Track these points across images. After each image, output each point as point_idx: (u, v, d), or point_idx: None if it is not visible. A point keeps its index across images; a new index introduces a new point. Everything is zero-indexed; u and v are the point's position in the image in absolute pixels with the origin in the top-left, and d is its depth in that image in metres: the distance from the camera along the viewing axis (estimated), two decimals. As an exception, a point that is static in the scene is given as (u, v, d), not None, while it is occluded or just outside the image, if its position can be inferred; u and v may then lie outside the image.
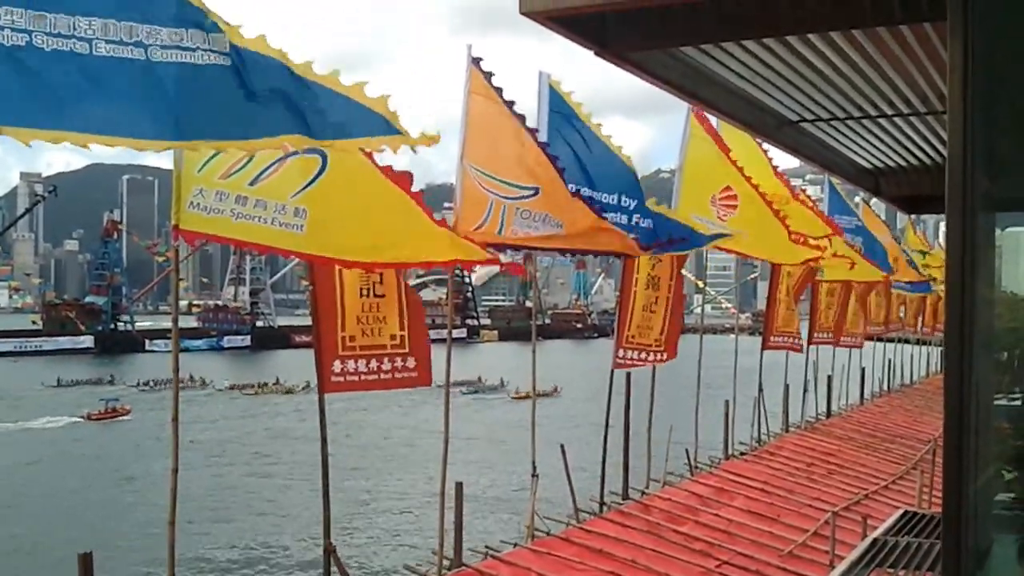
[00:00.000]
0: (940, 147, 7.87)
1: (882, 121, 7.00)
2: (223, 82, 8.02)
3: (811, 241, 19.25)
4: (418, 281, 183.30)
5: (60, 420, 63.19)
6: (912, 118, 6.88)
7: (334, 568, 11.32)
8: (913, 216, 39.93)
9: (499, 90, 12.97)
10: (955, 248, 3.38)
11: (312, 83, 8.44)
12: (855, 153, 8.19)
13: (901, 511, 11.43)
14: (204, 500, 38.38)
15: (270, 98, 8.25)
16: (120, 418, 64.68)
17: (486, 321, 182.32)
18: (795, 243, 18.47)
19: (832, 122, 7.01)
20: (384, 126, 8.67)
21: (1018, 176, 4.98)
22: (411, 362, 12.01)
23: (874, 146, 7.90)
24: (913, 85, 6.09)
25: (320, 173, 9.86)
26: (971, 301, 3.34)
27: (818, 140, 7.61)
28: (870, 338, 35.32)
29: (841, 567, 8.88)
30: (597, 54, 5.08)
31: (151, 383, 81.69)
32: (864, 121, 6.99)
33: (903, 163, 8.55)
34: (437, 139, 9.14)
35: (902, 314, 40.96)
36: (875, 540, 9.60)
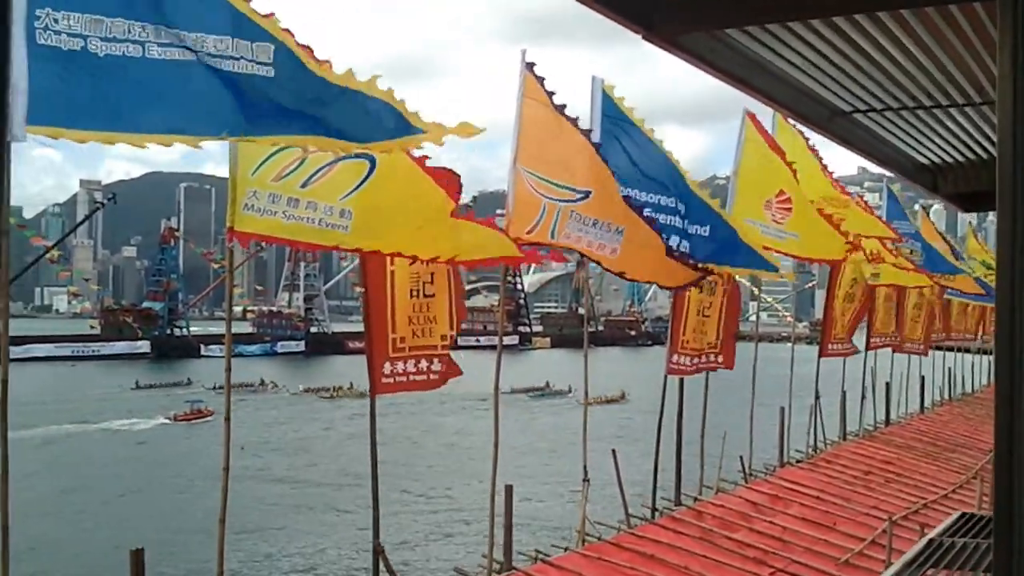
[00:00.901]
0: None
1: (937, 112, 6.86)
2: (266, 90, 8.18)
3: (865, 244, 19.07)
4: (470, 287, 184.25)
5: (148, 421, 65.91)
6: (968, 109, 6.74)
7: (383, 569, 11.38)
8: (973, 223, 39.42)
9: (551, 94, 12.99)
10: (1006, 245, 3.32)
11: (352, 91, 8.56)
12: (910, 147, 8.05)
13: (959, 513, 11.25)
14: (284, 498, 41.27)
15: (312, 107, 8.40)
16: (205, 419, 66.29)
17: (538, 328, 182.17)
18: (848, 244, 18.29)
19: (885, 112, 6.89)
20: (407, 126, 8.80)
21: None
22: (446, 359, 12.17)
23: (930, 139, 7.76)
24: (968, 73, 5.97)
25: (368, 175, 10.01)
26: (1022, 301, 3.28)
27: (872, 132, 7.49)
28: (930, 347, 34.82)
29: (896, 566, 8.76)
30: (645, 38, 5.02)
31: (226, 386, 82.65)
32: (919, 112, 6.87)
33: (960, 158, 8.39)
34: (475, 130, 9.19)
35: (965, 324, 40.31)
36: (931, 540, 9.46)
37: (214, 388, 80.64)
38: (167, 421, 66.32)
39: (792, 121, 18.69)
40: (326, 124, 8.52)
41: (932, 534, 9.94)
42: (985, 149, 8.11)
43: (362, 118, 8.63)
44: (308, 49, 8.44)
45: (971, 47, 5.51)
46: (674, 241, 14.89)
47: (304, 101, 8.41)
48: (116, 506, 41.81)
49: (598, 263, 13.76)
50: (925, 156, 8.42)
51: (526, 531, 29.82)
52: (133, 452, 55.36)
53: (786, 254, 18.85)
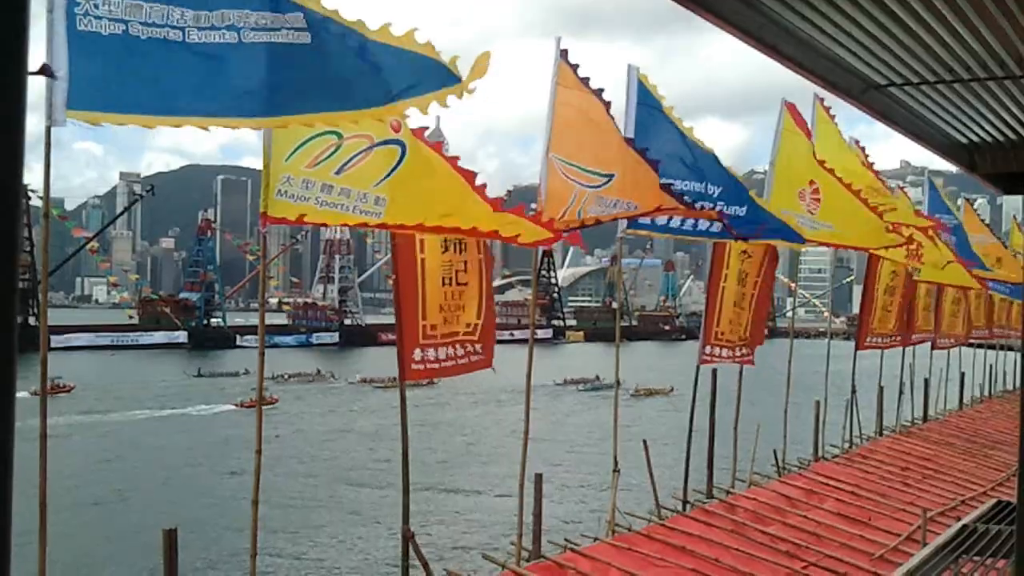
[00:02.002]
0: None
1: (975, 86, 6.72)
2: (305, 59, 8.16)
3: (904, 231, 18.85)
4: (504, 282, 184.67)
5: (214, 407, 68.31)
6: (1007, 82, 6.60)
7: (413, 554, 11.42)
8: (1019, 216, 38.83)
9: (585, 80, 13.05)
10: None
11: (388, 45, 8.44)
12: (947, 123, 7.90)
13: (994, 500, 11.14)
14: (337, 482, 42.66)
15: (350, 70, 8.34)
16: (271, 405, 67.96)
17: (572, 322, 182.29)
18: (889, 231, 18.08)
19: (921, 86, 6.76)
20: (446, 76, 8.64)
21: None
22: (479, 347, 12.20)
23: (967, 115, 7.61)
24: (1007, 44, 5.84)
25: (400, 161, 10.02)
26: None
27: (907, 107, 7.35)
28: (970, 344, 34.45)
29: (927, 549, 8.69)
30: (673, -1, 4.91)
31: (285, 375, 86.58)
32: (955, 85, 6.73)
33: (999, 136, 8.23)
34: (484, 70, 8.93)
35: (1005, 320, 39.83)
36: (964, 526, 9.38)
37: (272, 378, 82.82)
38: (233, 407, 68.34)
39: (827, 104, 18.66)
40: (365, 86, 8.41)
41: (966, 520, 9.86)
42: (1025, 127, 7.96)
43: (403, 71, 8.49)
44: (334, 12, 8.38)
45: (1011, 16, 5.38)
46: (703, 224, 14.95)
47: (345, 61, 8.33)
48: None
49: (616, 218, 13.73)
50: (962, 133, 8.27)
51: (570, 517, 30.06)
52: (200, 437, 57.17)
53: (820, 243, 18.69)
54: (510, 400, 62.84)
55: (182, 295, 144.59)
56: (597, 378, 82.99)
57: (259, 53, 8.00)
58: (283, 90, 8.16)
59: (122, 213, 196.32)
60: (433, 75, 8.51)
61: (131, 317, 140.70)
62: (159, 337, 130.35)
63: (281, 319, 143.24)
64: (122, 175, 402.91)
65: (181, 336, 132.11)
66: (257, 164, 10.03)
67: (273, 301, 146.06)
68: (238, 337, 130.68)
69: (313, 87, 8.26)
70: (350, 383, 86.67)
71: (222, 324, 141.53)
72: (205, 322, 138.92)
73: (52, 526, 8.39)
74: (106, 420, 62.54)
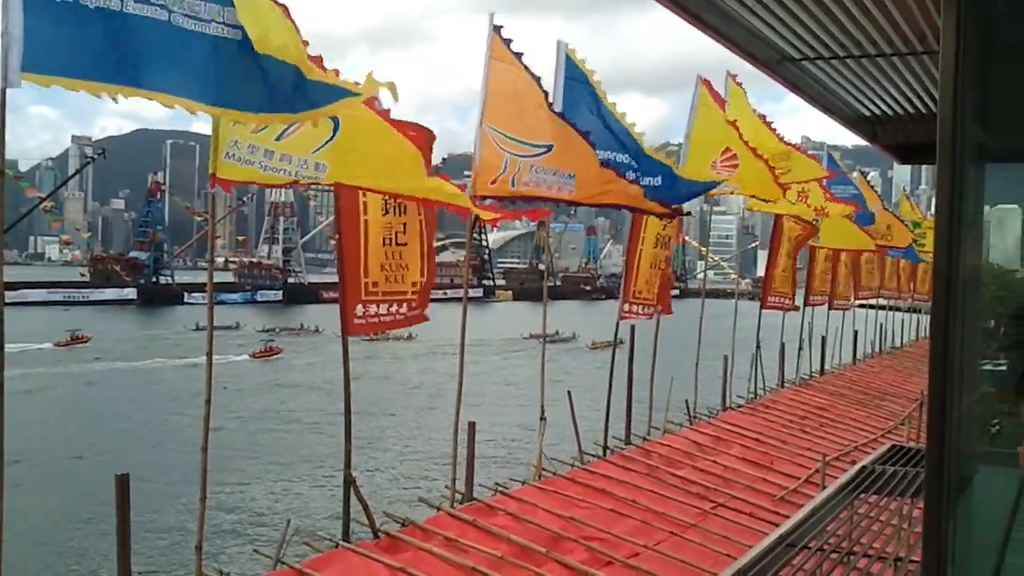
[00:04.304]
0: (935, 92, 7.69)
1: (880, 61, 6.80)
2: (235, 56, 7.99)
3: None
4: (438, 244, 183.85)
5: (227, 357, 67.87)
6: (910, 58, 6.68)
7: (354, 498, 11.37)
8: (907, 188, 39.64)
9: (519, 55, 12.96)
10: (944, 194, 3.26)
11: (286, 63, 8.36)
12: (854, 97, 8.00)
13: (889, 445, 11.39)
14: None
15: (262, 77, 8.21)
16: (275, 356, 72.97)
17: (501, 282, 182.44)
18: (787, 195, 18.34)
19: (832, 60, 6.82)
20: (342, 92, 8.63)
21: (1011, 124, 4.85)
22: (415, 303, 12.17)
23: (872, 89, 7.71)
24: (911, 21, 5.89)
25: (335, 131, 9.90)
26: (958, 250, 3.24)
27: (818, 80, 7.42)
28: (863, 305, 35.13)
29: (830, 490, 8.85)
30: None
31: (276, 329, 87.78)
32: (863, 60, 6.80)
33: (900, 110, 8.37)
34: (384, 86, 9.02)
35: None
36: (863, 467, 9.57)
37: (264, 330, 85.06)
38: (247, 357, 71.05)
39: (738, 80, 18.76)
40: (274, 96, 8.32)
41: (865, 461, 10.05)
42: (923, 102, 8.08)
43: (298, 90, 8.43)
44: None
45: None
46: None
47: (256, 70, 8.20)
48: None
49: (548, 199, 13.74)
50: (866, 106, 8.38)
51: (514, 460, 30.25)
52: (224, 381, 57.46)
53: (732, 193, 18.86)
54: (475, 352, 63.56)
55: (132, 254, 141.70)
56: (556, 332, 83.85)
57: (194, 38, 7.80)
58: (217, 79, 7.97)
59: (74, 175, 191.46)
60: (332, 93, 8.50)
61: (83, 275, 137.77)
62: (109, 294, 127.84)
63: (228, 277, 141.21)
64: (75, 138, 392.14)
65: (131, 293, 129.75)
66: (206, 130, 9.84)
67: (220, 260, 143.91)
68: (186, 294, 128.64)
69: (238, 83, 8.08)
70: (337, 335, 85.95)
71: (170, 282, 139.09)
72: (154, 280, 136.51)
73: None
74: (136, 367, 65.47)
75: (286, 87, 8.25)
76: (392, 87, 9.02)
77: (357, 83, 8.77)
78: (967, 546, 3.61)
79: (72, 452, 38.00)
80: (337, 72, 8.65)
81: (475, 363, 59.78)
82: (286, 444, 41.30)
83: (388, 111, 10.13)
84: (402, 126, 10.39)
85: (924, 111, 8.28)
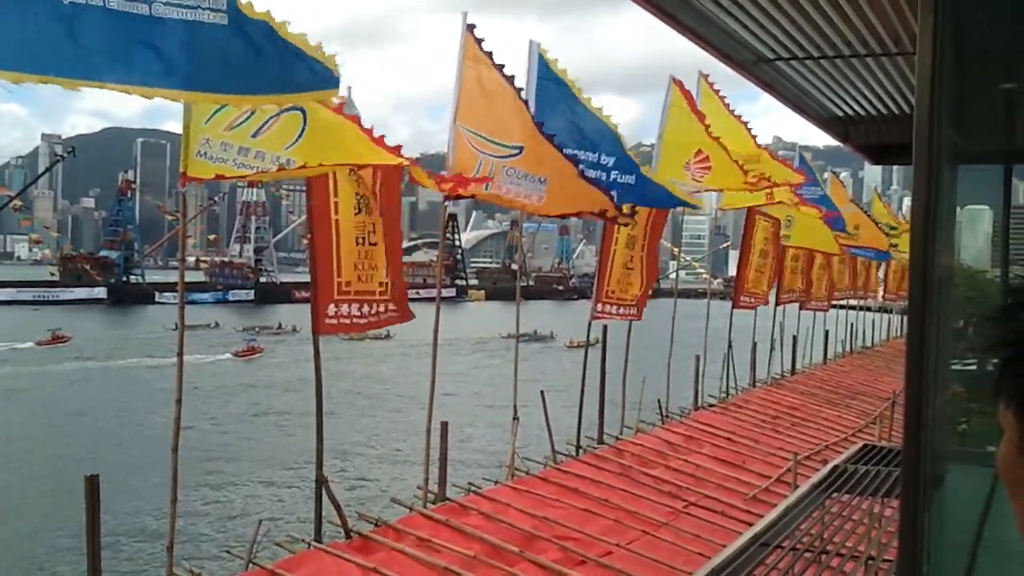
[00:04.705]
0: (908, 93, 7.74)
1: (854, 62, 6.82)
2: (223, 39, 7.94)
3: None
4: (410, 244, 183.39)
5: (209, 356, 69.59)
6: (884, 59, 6.70)
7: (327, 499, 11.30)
8: (879, 188, 39.98)
9: (490, 54, 12.93)
10: (920, 196, 3.25)
11: (288, 43, 8.37)
12: (827, 97, 8.03)
13: (861, 444, 11.45)
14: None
15: (259, 56, 8.20)
16: (257, 355, 73.09)
17: (474, 281, 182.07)
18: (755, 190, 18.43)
19: (806, 61, 6.84)
20: (332, 79, 8.66)
21: (982, 126, 4.87)
22: (391, 304, 12.09)
23: (845, 89, 7.74)
24: (886, 22, 5.91)
25: (304, 126, 9.89)
26: (935, 250, 3.23)
27: (792, 80, 7.44)
28: (834, 305, 35.34)
29: (803, 489, 8.87)
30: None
31: (256, 328, 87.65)
32: (837, 61, 6.82)
33: (872, 111, 8.41)
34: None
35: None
36: (836, 467, 9.61)
37: (244, 330, 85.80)
38: (230, 356, 71.71)
39: (711, 80, 18.83)
40: (267, 75, 8.32)
41: (837, 461, 10.08)
42: (896, 102, 8.12)
43: (298, 68, 8.44)
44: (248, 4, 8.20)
45: None
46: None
47: (251, 50, 8.17)
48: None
49: (520, 208, 13.78)
50: (839, 107, 8.41)
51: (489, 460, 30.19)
52: (209, 381, 57.90)
53: (707, 191, 18.93)
54: (450, 351, 64.34)
55: (102, 253, 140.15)
56: (535, 332, 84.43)
57: (177, 26, 7.72)
58: (198, 66, 7.92)
59: (44, 173, 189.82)
60: (321, 76, 8.49)
61: (52, 274, 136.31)
62: (79, 293, 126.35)
63: (199, 276, 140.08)
64: (44, 136, 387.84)
65: (101, 292, 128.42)
66: (178, 128, 9.77)
67: (191, 259, 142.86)
68: (156, 294, 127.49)
69: (226, 67, 8.04)
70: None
71: (141, 281, 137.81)
72: (124, 279, 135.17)
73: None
74: (120, 366, 65.35)
75: (291, 66, 8.30)
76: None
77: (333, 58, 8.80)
78: (940, 544, 3.61)
79: (56, 452, 37.64)
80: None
81: (451, 363, 59.89)
82: (263, 443, 41.14)
83: (358, 116, 10.19)
84: (368, 132, 10.48)
85: (896, 112, 8.33)
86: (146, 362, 66.56)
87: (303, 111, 9.80)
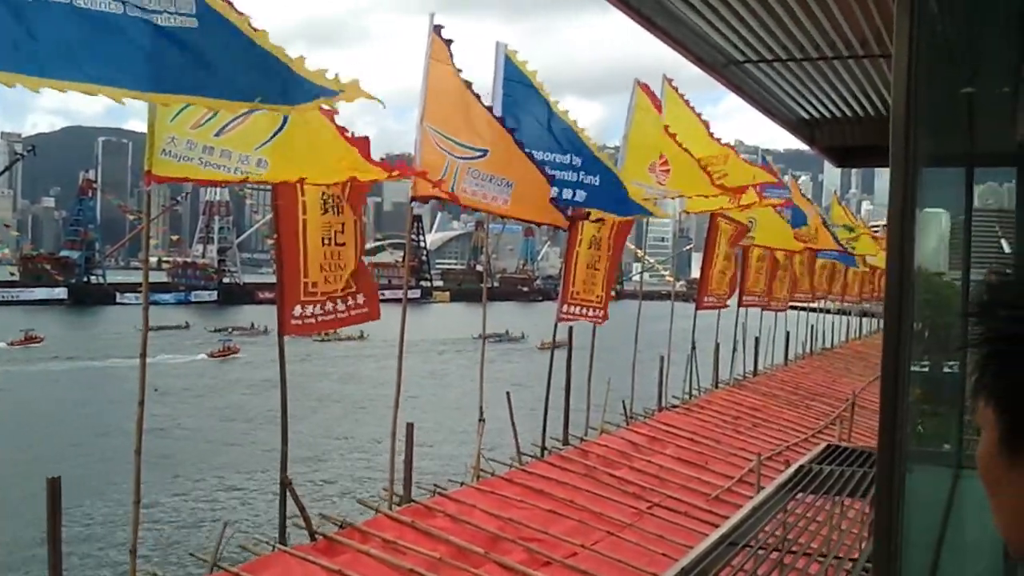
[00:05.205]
0: (874, 95, 7.80)
1: (822, 64, 6.86)
2: (191, 42, 7.86)
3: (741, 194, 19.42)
4: (375, 244, 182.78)
5: (184, 357, 69.76)
6: (851, 61, 6.74)
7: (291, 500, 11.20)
8: (837, 192, 40.41)
9: (451, 55, 12.93)
10: (897, 201, 3.25)
11: (267, 53, 8.32)
12: (795, 100, 8.08)
13: (825, 444, 11.53)
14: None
15: (231, 63, 8.13)
16: (233, 356, 72.61)
17: (439, 283, 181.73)
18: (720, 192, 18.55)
19: (775, 63, 6.86)
20: (321, 91, 8.63)
21: (947, 130, 4.89)
22: (360, 299, 11.98)
23: (812, 92, 7.78)
24: (854, 24, 5.94)
25: (282, 126, 9.76)
26: (911, 252, 3.24)
27: (760, 83, 7.47)
28: (794, 307, 35.63)
29: (769, 489, 8.90)
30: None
31: (229, 329, 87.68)
32: (805, 63, 6.85)
33: (838, 113, 8.47)
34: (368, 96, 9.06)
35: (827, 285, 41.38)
36: (801, 467, 9.67)
37: (216, 331, 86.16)
38: (205, 356, 71.35)
39: (675, 84, 18.91)
40: (245, 85, 8.27)
41: (801, 461, 10.14)
42: (862, 104, 8.18)
43: (282, 82, 8.42)
44: (229, 4, 8.14)
45: None
46: (567, 193, 15.00)
47: (227, 57, 8.11)
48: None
49: (485, 211, 13.80)
50: (807, 110, 8.47)
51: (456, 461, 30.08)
52: (183, 382, 58.11)
53: (671, 197, 19.07)
54: (419, 352, 64.24)
55: (63, 253, 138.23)
56: (506, 333, 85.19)
57: (145, 27, 7.63)
58: (166, 67, 7.83)
59: (3, 172, 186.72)
60: (312, 90, 8.47)
61: (12, 274, 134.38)
62: (40, 293, 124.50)
63: (161, 277, 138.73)
64: (3, 135, 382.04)
65: (62, 292, 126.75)
66: (141, 127, 9.72)
67: (153, 260, 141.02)
68: (118, 294, 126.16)
69: (194, 70, 7.94)
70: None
71: (102, 281, 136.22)
72: (86, 279, 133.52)
73: None
74: (90, 366, 64.07)
75: (274, 78, 8.24)
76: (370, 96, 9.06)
77: (338, 79, 8.73)
78: (908, 543, 3.62)
79: (26, 456, 37.01)
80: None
81: (420, 364, 59.97)
82: (233, 444, 40.86)
83: (334, 111, 10.05)
84: (342, 130, 10.35)
85: (862, 114, 8.39)
86: (129, 363, 65.25)
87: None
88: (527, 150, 13.35)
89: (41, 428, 43.67)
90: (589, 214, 15.62)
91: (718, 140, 19.76)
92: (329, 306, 11.63)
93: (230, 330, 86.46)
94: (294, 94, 8.58)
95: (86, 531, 26.84)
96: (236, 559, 10.80)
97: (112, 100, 7.68)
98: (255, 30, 8.28)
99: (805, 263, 35.11)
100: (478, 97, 13.20)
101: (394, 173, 11.28)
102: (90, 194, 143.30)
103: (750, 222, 25.00)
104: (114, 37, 7.53)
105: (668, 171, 17.32)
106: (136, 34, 7.60)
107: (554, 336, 17.81)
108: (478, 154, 12.92)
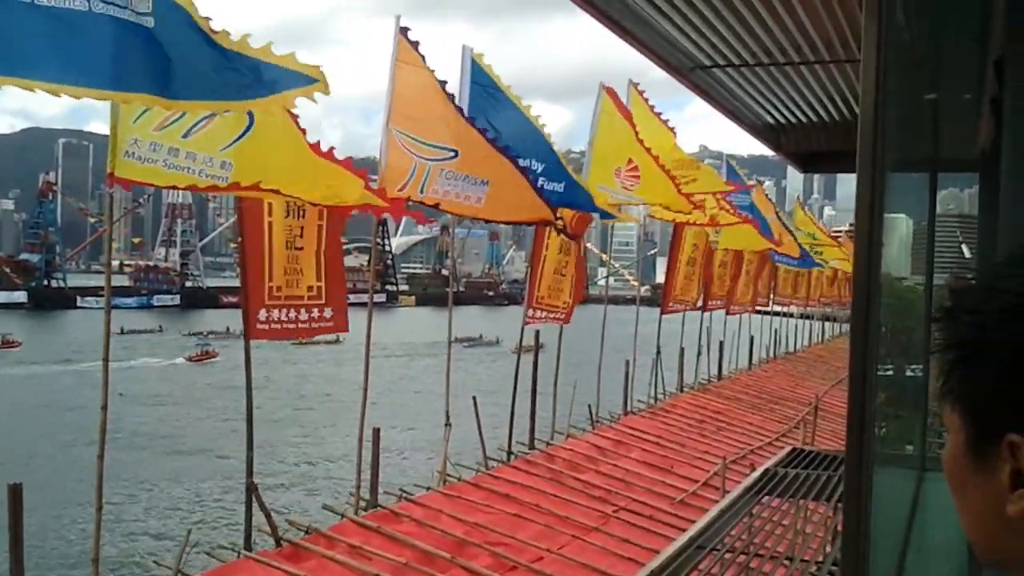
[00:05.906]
0: (839, 101, 7.86)
1: (788, 69, 6.90)
2: (150, 41, 7.78)
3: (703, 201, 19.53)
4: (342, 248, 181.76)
5: (163, 360, 71.15)
6: (817, 66, 6.79)
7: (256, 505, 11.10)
8: (800, 197, 40.75)
9: (423, 57, 12.86)
10: (864, 205, 3.26)
11: (227, 50, 8.24)
12: (761, 105, 8.13)
13: (789, 448, 11.60)
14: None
15: (191, 61, 8.06)
16: (211, 360, 71.85)
17: (404, 287, 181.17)
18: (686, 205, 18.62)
19: (742, 68, 6.90)
20: (297, 79, 8.54)
21: (910, 134, 4.94)
22: (328, 312, 11.91)
23: (777, 96, 7.83)
24: (821, 29, 5.98)
25: (248, 129, 9.66)
26: (879, 257, 3.25)
27: (727, 87, 7.51)
28: (758, 311, 35.83)
29: (735, 492, 8.95)
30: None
31: (204, 332, 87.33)
32: (772, 68, 6.89)
33: (803, 118, 8.54)
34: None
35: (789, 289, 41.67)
36: (767, 470, 9.72)
37: (191, 334, 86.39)
38: (182, 361, 71.99)
39: (640, 88, 19.00)
40: (208, 84, 8.18)
41: (767, 464, 10.20)
42: (827, 110, 8.24)
43: (251, 75, 8.32)
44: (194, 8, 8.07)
45: (827, 3, 5.46)
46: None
47: (187, 57, 8.02)
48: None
49: (461, 214, 13.76)
50: (771, 115, 8.52)
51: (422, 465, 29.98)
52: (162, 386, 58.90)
53: (636, 204, 19.15)
54: (394, 355, 65.81)
55: (23, 256, 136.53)
56: (480, 337, 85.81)
57: (106, 25, 7.53)
58: (128, 66, 7.74)
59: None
60: (285, 78, 8.39)
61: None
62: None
63: (123, 281, 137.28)
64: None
65: (21, 296, 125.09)
66: (102, 129, 9.60)
67: (115, 263, 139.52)
68: (79, 298, 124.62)
69: (155, 69, 7.86)
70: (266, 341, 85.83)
71: (62, 285, 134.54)
72: (46, 283, 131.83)
73: None
74: (75, 370, 62.09)
75: (244, 73, 8.15)
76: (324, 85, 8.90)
77: (318, 67, 8.66)
78: (875, 545, 3.65)
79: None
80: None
81: (387, 368, 59.62)
82: (203, 448, 40.47)
83: (296, 115, 9.98)
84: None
85: (827, 119, 8.46)
86: (114, 365, 64.39)
87: (250, 112, 9.53)
88: (507, 152, 13.30)
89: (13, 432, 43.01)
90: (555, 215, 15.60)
91: (679, 149, 19.85)
92: (293, 313, 11.53)
93: (206, 334, 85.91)
94: (268, 84, 8.47)
95: (52, 540, 26.45)
96: (201, 566, 10.67)
97: (73, 100, 7.60)
98: (215, 32, 8.21)
99: (768, 268, 35.35)
100: (452, 97, 13.13)
101: (384, 205, 11.18)
102: (50, 196, 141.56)
103: (715, 232, 25.15)
104: (75, 36, 7.44)
105: (637, 178, 17.35)
106: (97, 33, 7.51)
107: (520, 340, 17.82)
108: (449, 155, 12.83)
